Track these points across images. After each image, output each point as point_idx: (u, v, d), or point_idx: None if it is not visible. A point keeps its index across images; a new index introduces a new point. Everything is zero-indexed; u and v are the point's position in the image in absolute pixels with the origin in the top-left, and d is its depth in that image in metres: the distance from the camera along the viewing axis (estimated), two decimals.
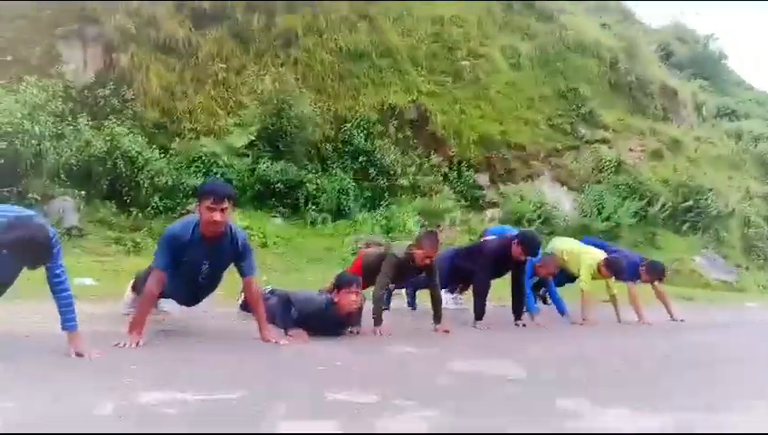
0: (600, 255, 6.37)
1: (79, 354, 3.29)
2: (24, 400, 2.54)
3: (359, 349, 4.16)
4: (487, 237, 6.72)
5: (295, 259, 9.22)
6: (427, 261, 4.97)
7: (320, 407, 2.75)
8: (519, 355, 4.32)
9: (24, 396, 2.59)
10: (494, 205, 12.27)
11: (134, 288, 4.73)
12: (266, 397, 2.83)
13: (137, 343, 3.67)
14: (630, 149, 14.15)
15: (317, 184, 10.68)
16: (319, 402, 2.81)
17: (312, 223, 10.43)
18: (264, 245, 9.32)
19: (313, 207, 10.55)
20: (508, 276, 5.84)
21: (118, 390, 2.76)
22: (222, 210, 3.80)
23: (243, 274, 4.16)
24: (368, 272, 5.13)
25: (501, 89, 13.95)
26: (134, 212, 9.16)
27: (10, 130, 8.07)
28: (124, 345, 3.62)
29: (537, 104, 14.20)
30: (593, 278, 6.31)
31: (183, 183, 9.78)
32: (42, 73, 9.99)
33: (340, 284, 4.46)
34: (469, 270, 5.86)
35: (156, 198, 9.37)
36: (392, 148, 11.72)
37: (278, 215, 10.35)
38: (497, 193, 12.42)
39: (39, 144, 8.37)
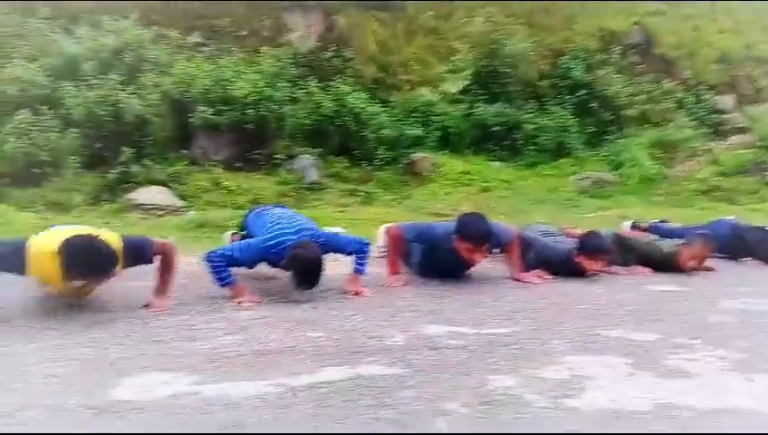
0: None
1: (356, 293, 3.64)
2: (332, 331, 2.87)
3: (615, 288, 3.98)
4: None
5: (519, 202, 9.11)
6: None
7: (600, 343, 2.69)
8: None
9: (330, 328, 2.93)
10: (741, 130, 10.78)
11: (388, 232, 5.07)
12: (539, 332, 2.85)
13: (398, 284, 3.94)
14: None
15: (535, 123, 10.32)
16: (595, 338, 2.75)
17: (532, 164, 10.17)
18: (486, 189, 9.35)
19: (533, 148, 10.25)
20: None
21: (405, 324, 2.98)
22: (481, 253, 3.85)
23: (502, 249, 4.23)
24: None
25: None
26: (364, 165, 9.74)
27: (255, 98, 9.02)
28: (389, 286, 3.90)
29: None
30: None
31: (404, 134, 10.13)
32: (273, 43, 10.99)
33: (586, 249, 4.21)
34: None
35: (381, 151, 9.84)
36: (616, 77, 10.82)
37: (496, 159, 10.26)
38: (745, 116, 10.87)
39: (279, 109, 9.25)
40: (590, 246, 4.19)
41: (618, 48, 11.23)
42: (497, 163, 10.19)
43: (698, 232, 4.77)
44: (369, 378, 2.24)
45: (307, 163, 9.44)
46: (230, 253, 3.54)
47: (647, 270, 4.47)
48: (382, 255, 4.99)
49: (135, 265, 3.21)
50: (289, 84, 9.80)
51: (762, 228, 5.26)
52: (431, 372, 2.32)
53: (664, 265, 4.52)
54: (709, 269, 4.60)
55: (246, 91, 8.96)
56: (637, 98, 10.81)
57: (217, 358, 2.45)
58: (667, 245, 4.67)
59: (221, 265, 3.47)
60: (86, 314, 3.09)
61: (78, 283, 2.95)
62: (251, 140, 9.18)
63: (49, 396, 2.04)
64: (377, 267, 4.50)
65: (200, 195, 8.41)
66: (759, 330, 2.95)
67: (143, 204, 7.77)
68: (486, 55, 10.56)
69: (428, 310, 3.30)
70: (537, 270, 4.25)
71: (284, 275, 3.78)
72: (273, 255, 3.54)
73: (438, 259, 4.08)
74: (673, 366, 2.39)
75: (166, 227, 6.95)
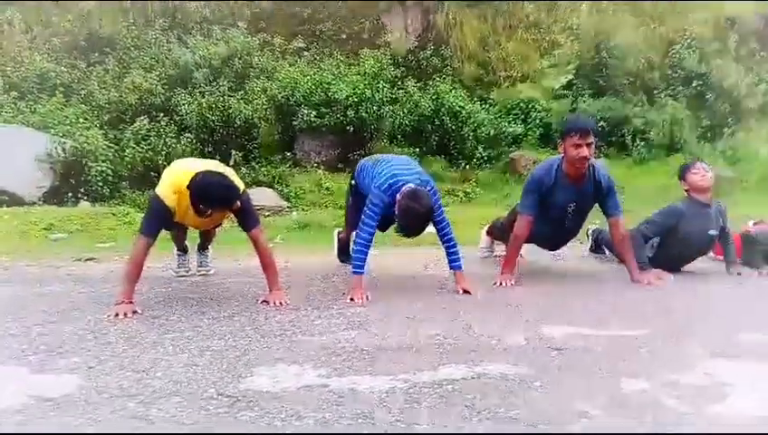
0: None
1: (465, 291, 3.60)
2: (447, 330, 2.85)
3: (746, 290, 3.70)
4: None
5: (629, 201, 8.68)
6: None
7: (739, 349, 2.50)
8: None
9: (445, 326, 2.91)
10: None
11: (489, 233, 5.00)
12: (670, 336, 2.69)
13: (509, 283, 3.85)
14: None
15: (644, 118, 9.82)
16: (735, 344, 2.56)
17: (641, 161, 9.68)
18: None
19: (642, 144, 9.75)
20: None
21: (522, 324, 2.91)
22: (588, 145, 3.71)
23: (608, 213, 4.04)
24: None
25: None
26: (462, 164, 9.66)
27: (355, 100, 9.18)
28: (501, 284, 3.83)
29: None
30: None
31: (504, 132, 9.96)
32: (372, 45, 11.14)
33: (683, 170, 4.22)
34: None
35: (480, 149, 9.72)
36: (734, 66, 10.09)
37: (603, 155, 9.84)
38: None
39: (379, 109, 9.35)
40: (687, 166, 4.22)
41: (736, 35, 10.46)
42: (603, 160, 9.77)
43: None
44: (494, 377, 2.20)
45: None
46: (369, 219, 3.54)
47: None
48: (485, 256, 4.95)
49: (244, 218, 3.43)
50: (388, 85, 9.90)
51: None
52: (557, 373, 2.24)
53: None
54: None
55: (347, 93, 9.14)
56: (757, 88, 10.03)
57: (341, 352, 2.49)
58: None
59: (364, 253, 3.53)
60: (210, 309, 3.26)
61: (206, 212, 3.29)
62: (351, 142, 9.36)
63: (190, 384, 2.15)
64: (484, 267, 4.46)
65: (303, 196, 8.66)
66: None
67: None
68: (591, 48, 10.17)
69: (546, 310, 3.20)
70: (657, 270, 4.03)
71: (389, 272, 3.82)
72: (390, 197, 3.53)
73: (546, 200, 3.95)
74: None
75: (272, 227, 7.20)
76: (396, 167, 3.66)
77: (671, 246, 4.19)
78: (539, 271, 4.44)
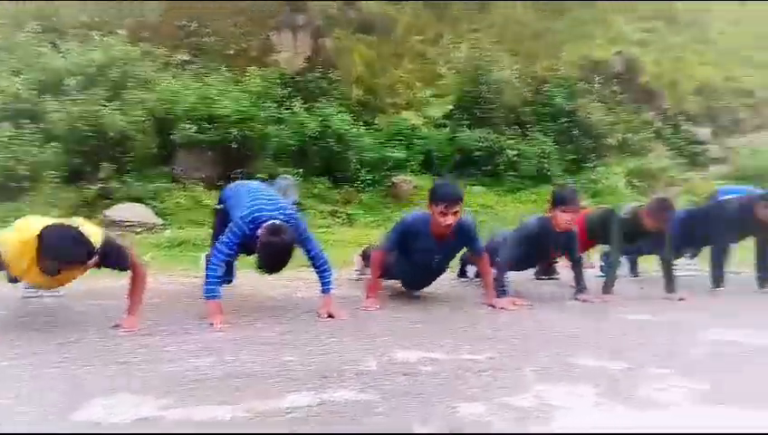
0: None
1: (330, 316, 3.62)
2: (304, 355, 2.85)
3: (592, 316, 4.00)
4: (721, 198, 5.98)
5: (497, 227, 9.16)
6: (659, 228, 4.62)
7: (571, 372, 2.69)
8: None
9: (303, 352, 2.90)
10: (718, 161, 10.99)
11: (363, 257, 5.08)
12: (513, 359, 2.85)
13: (374, 307, 3.93)
14: None
15: (517, 149, 10.43)
16: (568, 367, 2.76)
17: (512, 190, 10.27)
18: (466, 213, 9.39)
19: (513, 174, 10.36)
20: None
21: (379, 349, 2.97)
22: (454, 213, 3.88)
23: (474, 254, 4.32)
24: (590, 232, 4.94)
25: (724, 28, 12.35)
26: (345, 187, 9.76)
27: (239, 117, 9.03)
28: (365, 309, 3.89)
29: None
30: None
31: (386, 157, 10.19)
32: (260, 63, 11.04)
33: (558, 201, 4.40)
34: (704, 234, 5.30)
35: (363, 172, 9.87)
36: (597, 106, 11.02)
37: (478, 183, 10.33)
38: (722, 148, 11.09)
39: (264, 128, 9.26)
40: (561, 198, 4.44)
41: (600, 77, 11.44)
42: (479, 188, 10.25)
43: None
44: (339, 404, 2.22)
45: (288, 183, 9.39)
46: (224, 247, 3.51)
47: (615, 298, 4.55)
48: (359, 278, 5.02)
49: (111, 265, 3.24)
50: (274, 104, 9.84)
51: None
52: (403, 398, 2.30)
53: None
54: (682, 299, 4.64)
55: (231, 110, 8.98)
56: (616, 127, 11.03)
57: (186, 381, 2.41)
58: None
59: (216, 278, 3.44)
60: (58, 332, 3.05)
61: (53, 270, 2.94)
62: (234, 159, 9.17)
63: (18, 414, 1.99)
64: (354, 290, 4.52)
65: (179, 213, 8.36)
66: (734, 361, 2.97)
67: (121, 220, 7.68)
68: (471, 81, 10.70)
69: (403, 335, 3.29)
70: (512, 296, 4.27)
71: (260, 295, 3.77)
72: (252, 230, 3.50)
73: (414, 246, 4.09)
74: (642, 396, 2.39)
75: (143, 245, 6.88)
76: (262, 201, 3.67)
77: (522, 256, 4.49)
78: (405, 296, 4.54)
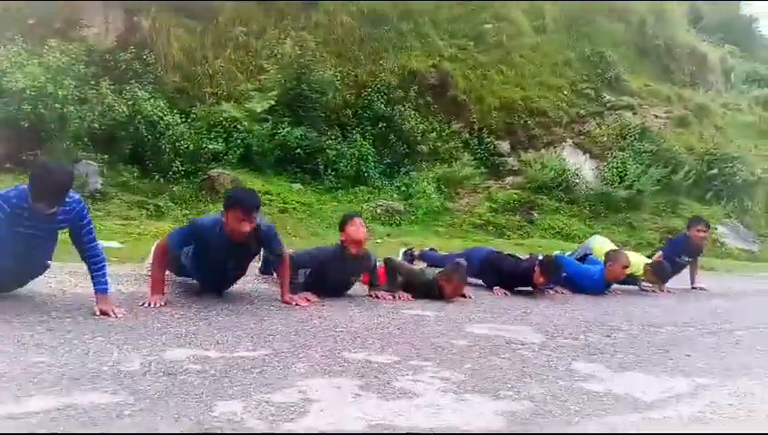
0: (643, 258, 6.59)
1: (104, 313, 3.39)
2: (59, 356, 2.63)
3: (377, 312, 4.21)
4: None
5: (315, 225, 9.28)
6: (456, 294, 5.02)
7: (338, 365, 2.80)
8: (537, 319, 4.36)
9: (58, 353, 2.68)
10: (514, 172, 12.17)
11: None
12: (286, 356, 2.90)
13: (159, 303, 3.76)
14: (656, 116, 13.90)
15: (336, 150, 10.67)
16: (337, 361, 2.87)
17: (331, 189, 10.47)
18: (285, 211, 9.39)
19: (332, 174, 10.56)
20: None
21: (149, 347, 2.84)
22: (251, 221, 3.85)
23: (273, 254, 4.31)
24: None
25: (524, 53, 13.73)
26: (156, 177, 9.25)
27: (34, 93, 8.14)
28: (148, 305, 3.71)
29: (561, 69, 13.99)
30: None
31: (204, 148, 9.84)
32: (64, 37, 10.03)
33: (343, 222, 4.62)
34: (495, 280, 5.77)
35: (177, 163, 9.42)
36: (412, 114, 11.60)
37: (298, 181, 10.38)
38: (518, 160, 12.30)
39: (62, 108, 8.43)
40: (345, 218, 4.69)
41: (416, 87, 12.08)
42: (298, 185, 10.31)
43: (456, 259, 5.27)
44: (82, 408, 2.09)
45: (90, 170, 8.70)
46: None
47: (407, 295, 4.81)
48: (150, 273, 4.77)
49: None
50: (78, 82, 9.00)
51: (513, 256, 6.00)
52: (158, 399, 2.23)
53: (425, 290, 4.91)
54: (466, 297, 5.07)
55: (23, 86, 8.06)
56: (429, 135, 11.71)
57: None
58: (430, 272, 5.09)
59: None
60: None
61: None
62: (26, 139, 8.27)
63: None
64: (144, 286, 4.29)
65: None
66: (488, 353, 3.30)
67: None
68: (294, 78, 10.69)
69: (180, 332, 3.19)
70: (305, 293, 4.35)
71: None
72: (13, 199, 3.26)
73: (208, 251, 3.99)
74: (399, 387, 2.57)
75: None
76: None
77: (317, 280, 4.57)
78: (198, 294, 4.41)
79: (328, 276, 4.55)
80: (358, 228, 4.54)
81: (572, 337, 3.85)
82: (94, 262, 3.52)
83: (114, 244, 6.76)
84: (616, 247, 6.68)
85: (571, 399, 2.61)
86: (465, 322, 4.08)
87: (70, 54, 9.27)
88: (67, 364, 2.52)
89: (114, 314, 3.39)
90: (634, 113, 13.57)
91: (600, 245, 6.81)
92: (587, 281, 6.01)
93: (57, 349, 2.72)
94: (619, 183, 11.99)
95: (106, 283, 3.52)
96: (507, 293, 5.45)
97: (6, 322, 3.10)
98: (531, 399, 2.56)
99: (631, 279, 6.44)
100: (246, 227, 3.84)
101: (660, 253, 7.03)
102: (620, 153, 12.49)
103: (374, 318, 3.98)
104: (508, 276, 5.62)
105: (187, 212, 8.81)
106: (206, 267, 4.10)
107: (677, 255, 6.92)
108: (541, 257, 5.74)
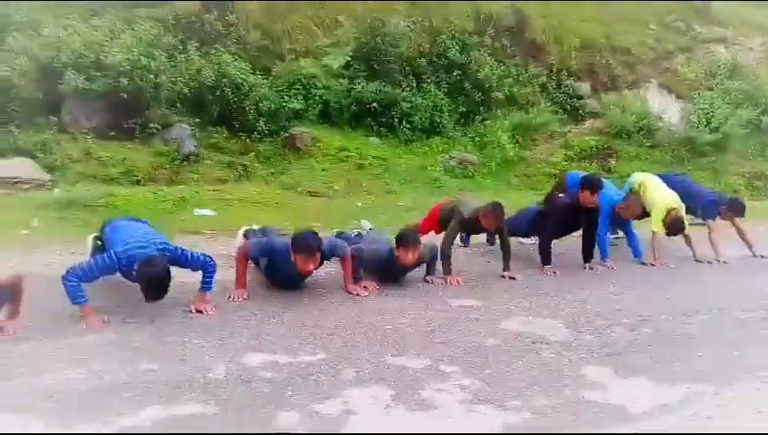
0: (671, 202, 6.34)
1: (198, 311, 4.16)
2: (164, 362, 3.38)
3: (427, 302, 4.72)
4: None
5: (390, 181, 9.75)
6: (493, 228, 5.42)
7: (379, 373, 3.37)
8: (572, 309, 4.71)
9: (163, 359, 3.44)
10: (594, 115, 11.94)
11: (245, 235, 5.57)
12: (339, 360, 3.50)
13: (242, 298, 4.50)
14: (750, 49, 12.93)
15: (411, 102, 10.85)
16: (379, 368, 3.43)
17: (406, 142, 10.77)
18: (361, 166, 9.90)
19: (407, 126, 10.81)
20: None
21: (229, 352, 3.54)
22: (315, 261, 4.45)
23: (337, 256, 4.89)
24: (443, 224, 5.66)
25: None
26: (242, 137, 9.94)
27: (129, 66, 8.91)
28: (232, 299, 4.46)
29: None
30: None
31: (285, 107, 10.36)
32: (150, 5, 10.72)
33: (401, 242, 4.94)
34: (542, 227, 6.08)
35: (261, 123, 10.03)
36: (488, 59, 11.50)
37: (374, 135, 10.74)
38: (599, 103, 12.03)
39: (156, 77, 9.18)
40: (403, 240, 4.95)
41: (492, 30, 11.91)
42: (375, 139, 10.68)
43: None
44: (184, 419, 2.79)
45: (184, 133, 9.49)
46: (85, 272, 3.91)
47: (458, 279, 5.30)
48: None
49: None
50: (168, 49, 9.70)
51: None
52: (238, 408, 2.90)
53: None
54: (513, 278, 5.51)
55: (120, 59, 8.84)
56: (505, 81, 11.62)
57: (56, 395, 2.90)
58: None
59: (75, 284, 3.85)
60: None
61: None
62: (125, 109, 9.12)
63: None
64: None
65: (70, 166, 8.37)
66: (511, 356, 3.70)
67: (5, 177, 7.63)
68: (369, 32, 10.88)
69: (257, 333, 3.87)
70: (366, 281, 4.95)
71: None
72: (124, 267, 3.97)
73: (279, 269, 4.68)
74: (424, 398, 3.09)
75: (29, 207, 6.95)
76: (138, 240, 4.07)
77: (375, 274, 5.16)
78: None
79: (385, 273, 5.14)
80: (407, 256, 4.92)
81: (597, 332, 4.17)
82: (202, 270, 4.26)
83: (208, 211, 7.62)
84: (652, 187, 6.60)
85: (567, 410, 3.02)
86: (503, 315, 4.47)
87: (159, 20, 9.96)
88: (170, 373, 3.24)
89: (206, 312, 4.15)
90: (726, 47, 12.72)
91: (641, 181, 6.73)
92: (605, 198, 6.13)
93: (161, 354, 3.46)
94: (706, 125, 11.51)
95: (210, 285, 4.27)
96: (556, 272, 5.78)
97: (123, 322, 3.90)
98: (532, 410, 3.01)
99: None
100: (311, 267, 4.47)
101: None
102: (708, 93, 11.89)
103: (422, 310, 4.50)
104: (563, 216, 5.91)
105: (272, 171, 9.54)
106: (278, 279, 4.80)
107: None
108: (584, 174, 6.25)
